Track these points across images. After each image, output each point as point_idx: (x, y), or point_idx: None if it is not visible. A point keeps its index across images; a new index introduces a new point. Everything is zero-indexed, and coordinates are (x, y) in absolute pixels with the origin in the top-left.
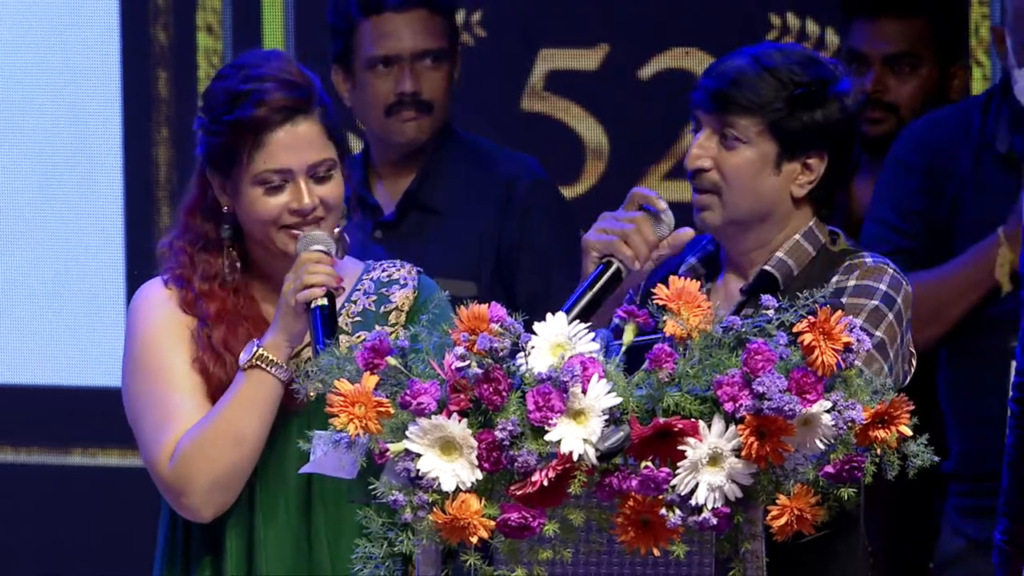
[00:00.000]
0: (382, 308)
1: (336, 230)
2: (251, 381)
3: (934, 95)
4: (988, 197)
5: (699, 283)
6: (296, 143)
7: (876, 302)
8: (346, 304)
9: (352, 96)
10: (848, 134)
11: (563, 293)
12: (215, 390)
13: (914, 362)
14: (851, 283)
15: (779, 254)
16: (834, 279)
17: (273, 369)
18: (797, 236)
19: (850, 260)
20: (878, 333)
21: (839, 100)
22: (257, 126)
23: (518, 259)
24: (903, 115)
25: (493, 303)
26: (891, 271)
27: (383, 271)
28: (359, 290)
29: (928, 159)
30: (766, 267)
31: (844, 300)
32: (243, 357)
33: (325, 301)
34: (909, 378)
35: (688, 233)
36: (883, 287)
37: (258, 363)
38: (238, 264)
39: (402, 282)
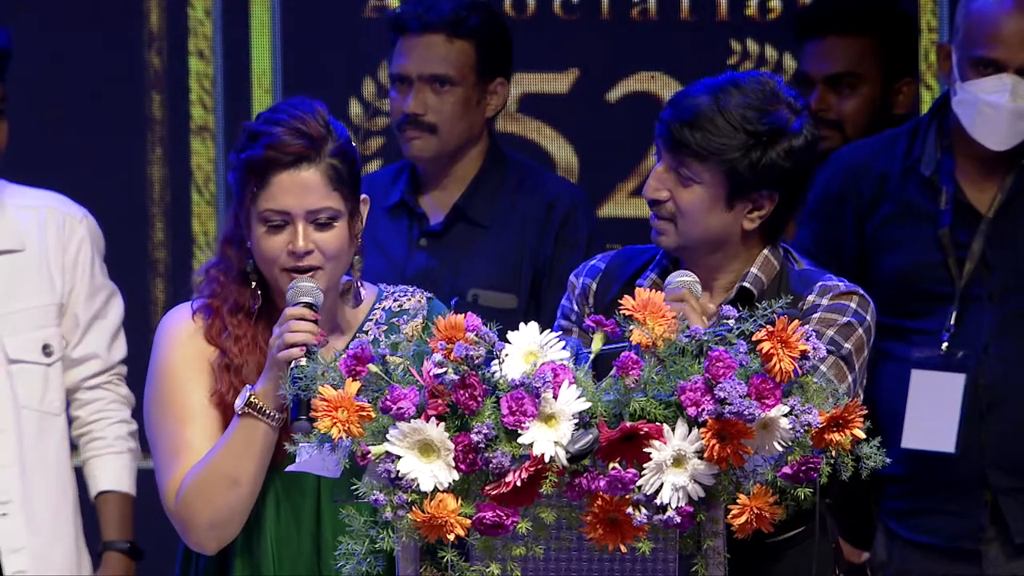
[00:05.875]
0: (392, 337)
1: (358, 284)
2: (244, 427)
3: (878, 111)
4: (911, 221)
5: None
6: (297, 188)
7: (848, 318)
8: (358, 334)
9: None
10: (799, 173)
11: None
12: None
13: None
14: (824, 301)
15: (752, 270)
16: (809, 297)
17: (264, 416)
18: (765, 252)
19: (823, 282)
20: (848, 345)
21: (788, 144)
22: (263, 166)
23: (549, 276)
24: (848, 132)
25: (469, 313)
26: (860, 294)
27: (395, 301)
28: (371, 320)
29: (846, 186)
30: (744, 284)
31: (818, 315)
32: (238, 403)
33: (305, 361)
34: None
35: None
36: (853, 306)
37: (250, 411)
38: (260, 297)
39: (412, 312)
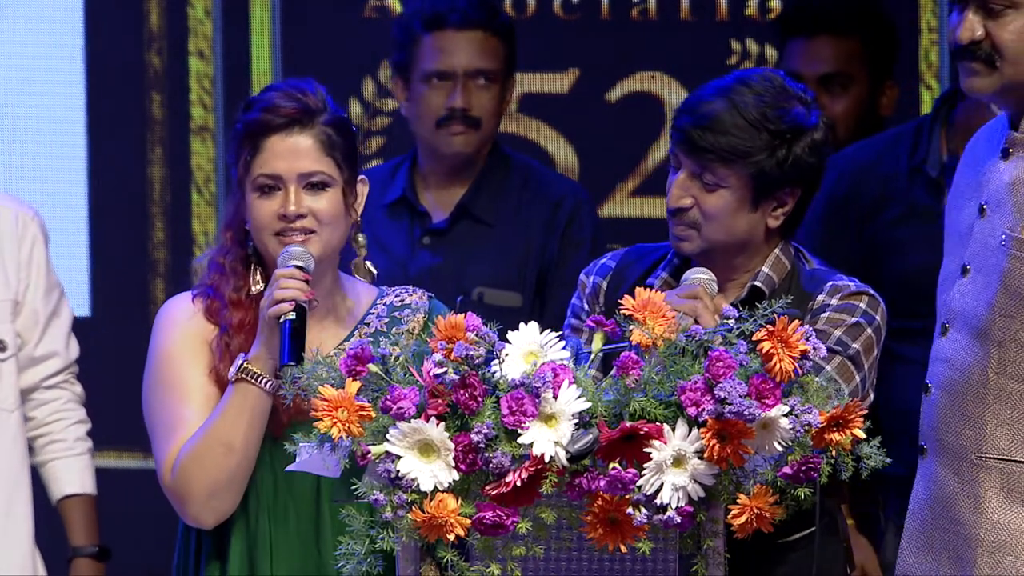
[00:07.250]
0: (394, 330)
1: (364, 262)
2: (238, 393)
3: (866, 112)
4: (918, 222)
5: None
6: (290, 151)
7: (857, 318)
8: (359, 326)
9: (408, 106)
10: (818, 166)
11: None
12: None
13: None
14: (834, 301)
15: (764, 269)
16: (819, 297)
17: (258, 381)
18: (776, 251)
19: (833, 282)
20: (855, 345)
21: (811, 139)
22: (256, 130)
23: (554, 274)
24: (838, 132)
25: (469, 313)
26: (870, 294)
27: (396, 296)
28: (372, 313)
29: (851, 189)
30: (755, 283)
31: (826, 314)
32: (231, 370)
33: (294, 315)
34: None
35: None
36: (863, 306)
37: (243, 376)
38: (260, 278)
39: (414, 307)
